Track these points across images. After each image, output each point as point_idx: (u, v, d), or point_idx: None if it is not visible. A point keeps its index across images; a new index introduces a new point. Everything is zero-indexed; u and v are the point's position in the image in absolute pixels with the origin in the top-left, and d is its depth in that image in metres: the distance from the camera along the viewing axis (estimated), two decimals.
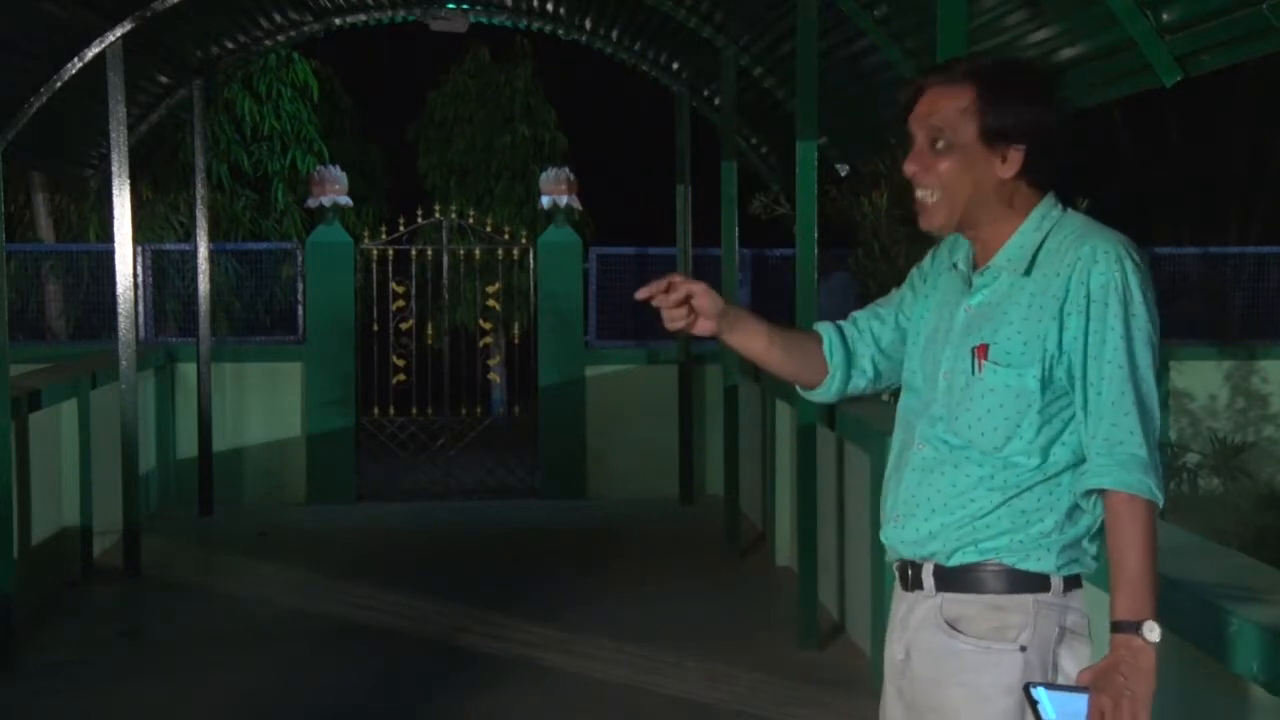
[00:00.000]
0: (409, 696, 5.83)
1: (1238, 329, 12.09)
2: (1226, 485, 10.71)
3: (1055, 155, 2.40)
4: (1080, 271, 2.30)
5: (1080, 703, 2.18)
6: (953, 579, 2.38)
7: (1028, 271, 2.37)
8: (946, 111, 2.38)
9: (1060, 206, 2.42)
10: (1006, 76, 2.41)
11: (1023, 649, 2.32)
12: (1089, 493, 2.30)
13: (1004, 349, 2.35)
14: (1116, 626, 2.21)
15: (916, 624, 2.43)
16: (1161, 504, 2.26)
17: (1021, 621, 2.33)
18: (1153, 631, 2.19)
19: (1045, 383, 2.33)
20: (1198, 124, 15.78)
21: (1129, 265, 2.30)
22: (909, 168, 2.42)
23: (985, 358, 2.36)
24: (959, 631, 2.36)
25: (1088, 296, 2.29)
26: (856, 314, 2.70)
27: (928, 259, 2.66)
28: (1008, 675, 2.31)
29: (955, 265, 2.52)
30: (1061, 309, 2.31)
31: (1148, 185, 15.38)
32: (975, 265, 2.48)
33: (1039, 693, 2.21)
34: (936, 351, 2.47)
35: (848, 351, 2.64)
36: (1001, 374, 2.35)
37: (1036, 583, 2.34)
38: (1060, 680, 2.30)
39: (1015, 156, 2.37)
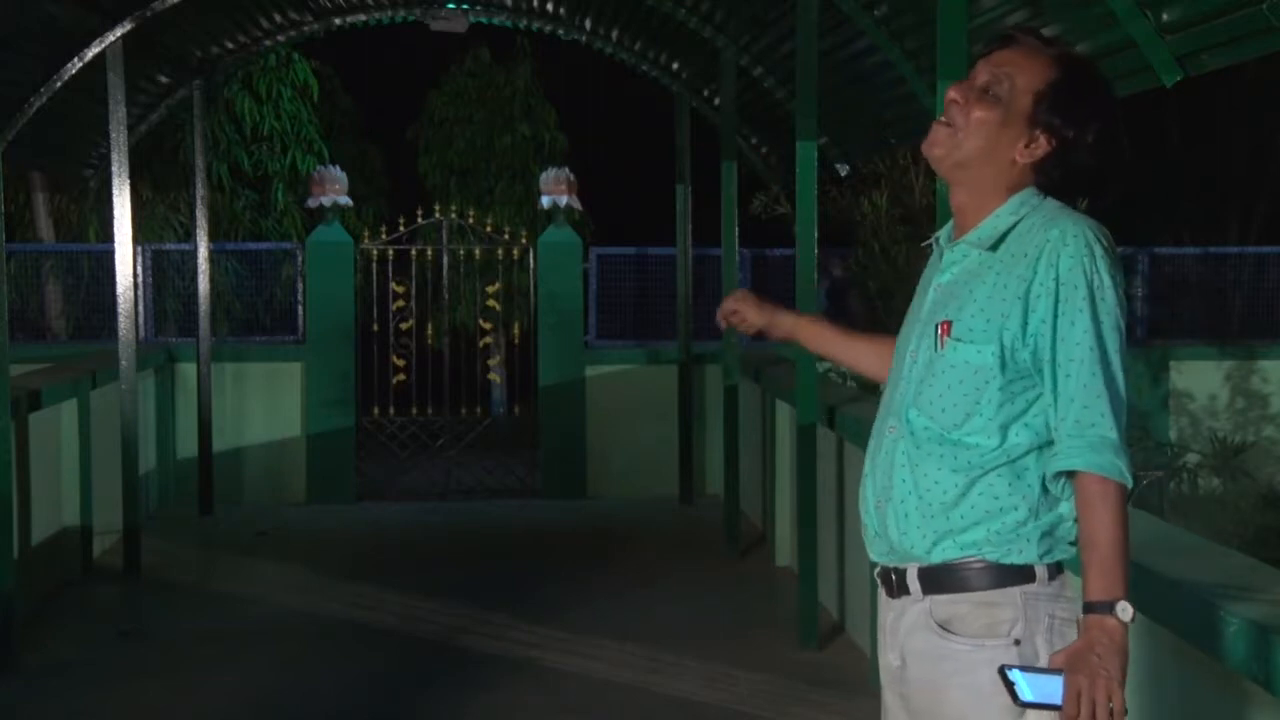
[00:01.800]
0: (409, 696, 5.84)
1: (1238, 329, 12.10)
2: (1226, 485, 10.72)
3: (1070, 172, 2.40)
4: (1049, 254, 2.31)
5: (1055, 684, 2.20)
6: (938, 580, 2.38)
7: (994, 247, 2.38)
8: (1020, 72, 2.39)
9: (1041, 195, 2.41)
10: (1085, 81, 2.42)
11: (1017, 642, 2.32)
12: (1058, 475, 2.31)
13: (966, 325, 2.36)
14: (1089, 607, 2.22)
15: (907, 629, 2.43)
16: (1131, 486, 2.27)
17: (1013, 615, 2.33)
18: (1125, 611, 2.20)
19: (1005, 361, 2.33)
20: (1198, 124, 15.79)
21: (1098, 250, 2.31)
22: (953, 91, 2.44)
23: (948, 334, 2.38)
24: (951, 632, 2.37)
25: (1056, 280, 2.30)
26: None
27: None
28: None
29: (937, 240, 2.54)
30: (1028, 291, 2.32)
31: (1148, 185, 15.39)
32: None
33: (1015, 674, 2.23)
34: (909, 330, 2.50)
35: None
36: (962, 350, 2.36)
37: (1022, 575, 2.34)
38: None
39: (1038, 148, 2.38)
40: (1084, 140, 2.38)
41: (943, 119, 2.44)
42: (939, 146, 2.43)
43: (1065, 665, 2.21)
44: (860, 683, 5.82)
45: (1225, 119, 15.75)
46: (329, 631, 6.88)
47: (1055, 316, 2.30)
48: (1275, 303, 12.27)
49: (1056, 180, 2.40)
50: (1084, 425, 2.27)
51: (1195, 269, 12.67)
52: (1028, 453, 2.35)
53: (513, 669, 6.16)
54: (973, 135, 2.39)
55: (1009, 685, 2.22)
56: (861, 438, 5.93)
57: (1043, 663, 2.30)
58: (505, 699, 5.78)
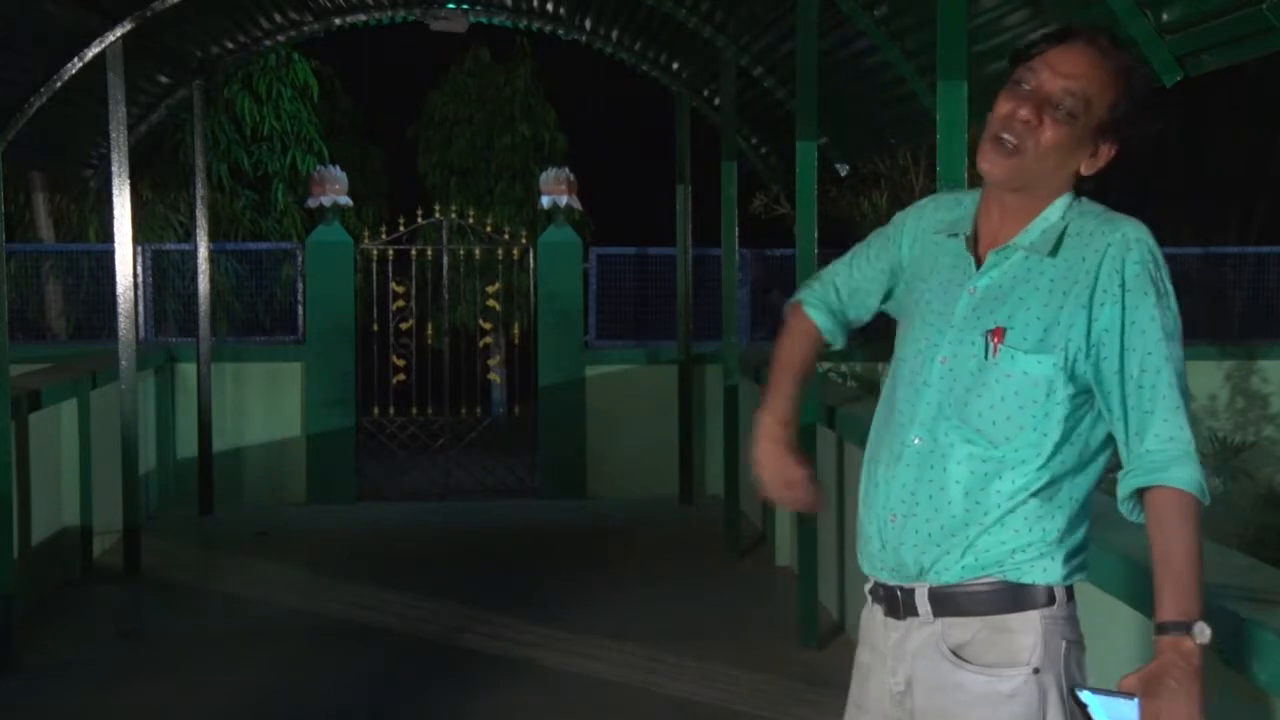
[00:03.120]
0: (409, 696, 5.83)
1: (1238, 329, 12.09)
2: (1226, 485, 10.70)
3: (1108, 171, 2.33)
4: (1113, 259, 2.20)
5: (1127, 709, 2.08)
6: (951, 602, 2.26)
7: (1054, 252, 2.25)
8: (1092, 88, 2.24)
9: (1078, 197, 2.32)
10: (1145, 91, 2.34)
11: (1036, 671, 2.21)
12: (1134, 493, 2.18)
13: (1022, 334, 2.23)
14: (1163, 628, 2.09)
15: (914, 652, 2.30)
16: (1208, 503, 2.17)
17: (1032, 642, 2.22)
18: (1204, 633, 2.07)
19: (1070, 374, 2.22)
20: (1198, 124, 15.78)
21: (1159, 255, 2.24)
22: (1023, 109, 2.24)
23: (1002, 341, 2.24)
24: (966, 660, 2.24)
25: (1122, 286, 2.20)
26: (837, 280, 2.60)
27: (910, 215, 2.52)
28: (1024, 702, 2.21)
29: (957, 234, 2.38)
30: (1092, 297, 2.21)
31: (1148, 185, 15.38)
32: (979, 238, 2.35)
33: (1087, 696, 2.11)
34: (933, 334, 2.34)
35: (843, 328, 2.65)
36: (1020, 360, 2.23)
37: (1042, 597, 2.24)
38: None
39: (1105, 156, 2.29)
40: (1137, 136, 2.31)
41: (1006, 138, 2.25)
42: (1001, 171, 2.26)
43: (1140, 690, 2.07)
44: None
45: (1225, 119, 15.73)
46: (329, 631, 6.88)
47: (1123, 325, 2.20)
48: (1275, 303, 12.27)
49: (1097, 181, 2.33)
50: (1164, 439, 2.17)
51: (1195, 269, 12.67)
52: (1069, 473, 2.25)
53: (513, 669, 6.16)
54: (1044, 159, 2.25)
55: (1081, 706, 2.11)
56: (861, 438, 5.92)
57: (1055, 694, 2.21)
58: (505, 699, 5.78)
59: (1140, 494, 2.19)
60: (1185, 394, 2.20)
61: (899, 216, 2.56)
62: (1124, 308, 2.20)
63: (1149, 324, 2.20)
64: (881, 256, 2.54)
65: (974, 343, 2.28)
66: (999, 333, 2.25)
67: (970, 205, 2.41)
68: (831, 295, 2.62)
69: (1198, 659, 2.07)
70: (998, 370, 2.25)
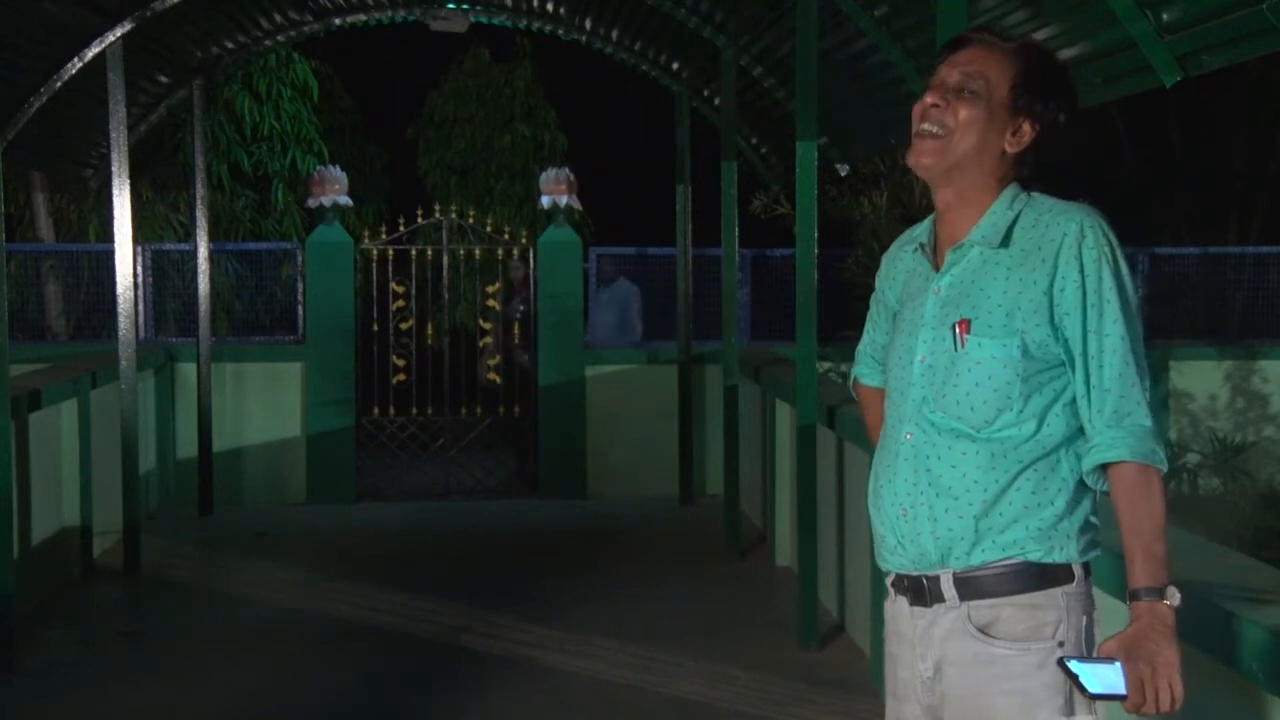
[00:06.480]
0: (409, 696, 5.84)
1: (1238, 329, 12.09)
2: (1226, 485, 10.71)
3: (1051, 154, 2.44)
4: (1069, 247, 2.33)
5: (1111, 673, 2.21)
6: (976, 586, 2.35)
7: (1004, 243, 2.38)
8: (989, 67, 2.41)
9: (1025, 191, 2.44)
10: (1050, 65, 2.47)
11: (1060, 644, 2.32)
12: (1096, 468, 2.31)
13: (986, 322, 2.36)
14: (1136, 594, 2.24)
15: (943, 636, 2.38)
16: (1166, 470, 2.31)
17: (1056, 617, 2.33)
18: (1175, 596, 2.24)
19: (1029, 353, 2.33)
20: (1198, 124, 15.77)
21: (1113, 239, 2.36)
22: (930, 96, 2.42)
23: (968, 332, 2.37)
24: (994, 637, 2.34)
25: (1081, 271, 2.32)
26: (868, 349, 2.76)
27: (882, 267, 2.68)
28: (1052, 674, 2.30)
29: (920, 246, 2.52)
30: (1052, 283, 2.33)
31: (1148, 185, 15.37)
32: (938, 247, 2.49)
33: (1075, 665, 2.23)
34: (909, 339, 2.47)
35: None
36: (987, 346, 2.35)
37: (1062, 575, 2.34)
38: None
39: (1026, 134, 2.40)
40: (1060, 114, 2.42)
41: (926, 128, 2.41)
42: (929, 155, 2.42)
43: (1120, 653, 2.22)
44: (860, 683, 5.81)
45: (1225, 119, 15.72)
46: (329, 631, 6.88)
47: (1084, 309, 2.32)
48: (1275, 303, 12.26)
49: (1039, 166, 2.43)
50: (1121, 415, 2.30)
51: (1195, 269, 12.66)
52: (1061, 444, 2.35)
53: (513, 669, 6.16)
54: (965, 135, 2.39)
55: (1073, 677, 2.22)
56: (862, 438, 5.92)
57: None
58: (505, 699, 5.78)
59: (1104, 468, 2.32)
60: (1143, 371, 2.33)
61: (877, 277, 2.73)
62: (1084, 291, 2.32)
63: (1107, 307, 2.32)
64: (882, 314, 2.71)
65: (944, 338, 2.40)
66: (964, 324, 2.38)
67: (926, 224, 2.56)
68: (871, 361, 2.78)
69: (1172, 620, 2.24)
70: (968, 359, 2.37)
